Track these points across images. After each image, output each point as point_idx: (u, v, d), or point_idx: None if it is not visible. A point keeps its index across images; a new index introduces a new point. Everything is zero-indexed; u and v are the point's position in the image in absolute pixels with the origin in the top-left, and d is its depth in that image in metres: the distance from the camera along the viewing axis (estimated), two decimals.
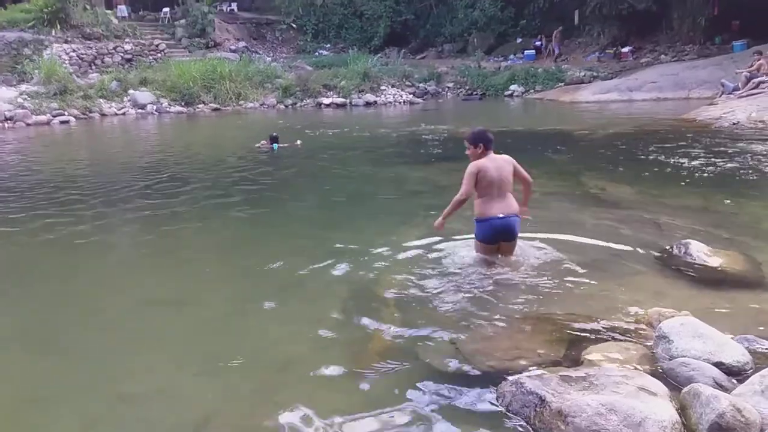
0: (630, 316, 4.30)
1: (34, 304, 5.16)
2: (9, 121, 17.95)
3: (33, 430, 3.41)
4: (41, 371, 4.05)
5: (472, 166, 5.11)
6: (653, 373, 3.42)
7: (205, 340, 4.48)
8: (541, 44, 28.62)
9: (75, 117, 19.23)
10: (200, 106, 21.65)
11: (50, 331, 4.64)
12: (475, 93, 25.08)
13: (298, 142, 13.26)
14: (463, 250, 5.74)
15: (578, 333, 4.09)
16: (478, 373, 3.70)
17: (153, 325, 4.73)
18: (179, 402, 3.65)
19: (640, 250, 5.72)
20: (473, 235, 5.41)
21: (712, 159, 10.04)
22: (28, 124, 18.09)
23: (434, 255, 5.74)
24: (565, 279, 5.13)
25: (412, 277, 5.26)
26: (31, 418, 3.52)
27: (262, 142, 12.92)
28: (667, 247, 5.52)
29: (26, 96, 19.31)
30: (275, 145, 12.75)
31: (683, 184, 8.59)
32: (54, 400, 3.68)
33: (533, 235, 6.17)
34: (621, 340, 3.94)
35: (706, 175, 9.08)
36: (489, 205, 5.12)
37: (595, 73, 24.49)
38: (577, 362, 3.69)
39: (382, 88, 24.31)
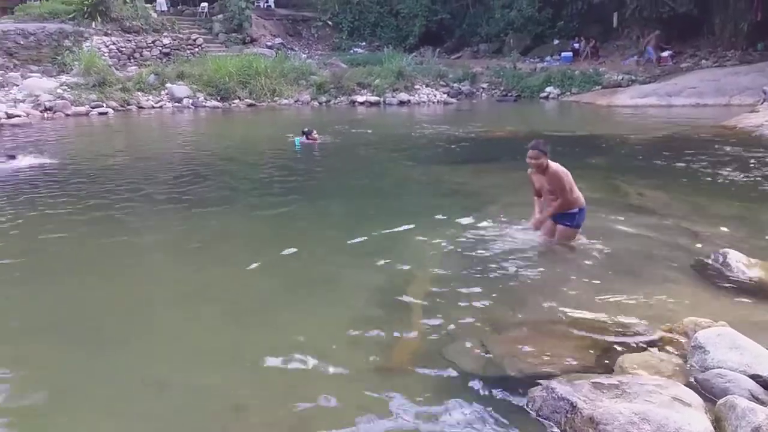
0: (665, 324, 4.22)
1: (66, 292, 5.25)
2: (49, 111, 18.32)
3: (63, 418, 3.46)
4: (72, 359, 4.11)
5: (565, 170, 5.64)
6: (687, 384, 3.37)
7: (235, 332, 4.52)
8: (579, 46, 28.28)
9: (113, 109, 19.54)
10: (235, 101, 21.84)
11: (82, 319, 4.71)
12: (510, 94, 24.89)
13: (318, 138, 13.21)
14: (495, 251, 5.72)
15: (611, 340, 4.05)
16: (507, 376, 3.68)
17: (184, 315, 4.79)
18: (209, 393, 3.68)
19: (677, 258, 5.62)
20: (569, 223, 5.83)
21: (752, 168, 9.82)
22: (67, 115, 18.43)
23: (465, 256, 5.73)
24: (599, 284, 5.08)
25: (443, 277, 5.25)
26: (61, 406, 3.57)
27: (301, 137, 13.00)
28: (704, 256, 5.41)
29: (66, 87, 19.67)
30: (297, 140, 12.80)
31: (722, 192, 8.41)
32: (84, 388, 3.73)
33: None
34: (655, 349, 3.88)
35: (745, 183, 8.88)
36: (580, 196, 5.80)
37: (633, 77, 24.11)
38: (609, 370, 3.66)
39: (416, 87, 24.26)
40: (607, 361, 3.76)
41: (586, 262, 5.54)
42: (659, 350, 3.87)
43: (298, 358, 4.06)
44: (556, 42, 29.35)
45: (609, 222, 6.80)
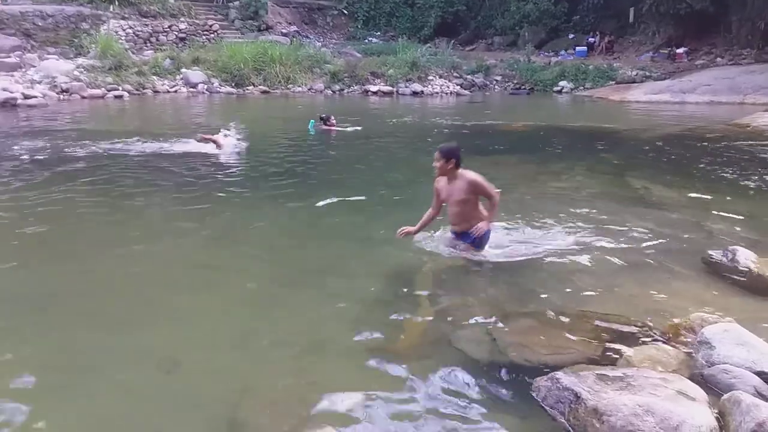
0: (671, 319, 4.24)
1: (77, 274, 5.30)
2: (65, 93, 18.45)
3: (76, 397, 3.51)
4: (87, 338, 4.17)
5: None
6: (693, 378, 3.39)
7: (244, 315, 4.59)
8: (594, 41, 28.11)
9: (129, 92, 19.65)
10: (250, 87, 21.90)
11: (94, 300, 4.77)
12: (523, 87, 24.82)
13: (336, 125, 13.21)
14: (506, 241, 5.75)
15: (617, 333, 4.08)
16: (513, 365, 3.72)
17: (196, 299, 4.84)
18: (217, 375, 3.73)
19: (686, 254, 5.64)
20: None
21: (765, 166, 9.78)
22: (83, 97, 18.55)
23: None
24: (607, 278, 5.10)
25: (452, 266, 5.29)
26: (73, 385, 3.63)
27: (318, 122, 13.00)
28: (713, 253, 5.41)
29: (82, 69, 19.76)
30: (312, 123, 12.80)
31: (733, 189, 8.39)
32: (95, 369, 3.78)
33: (578, 233, 6.16)
34: (661, 343, 3.91)
35: (756, 182, 8.84)
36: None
37: (647, 73, 23.99)
38: (614, 362, 3.68)
39: (430, 78, 24.22)
40: (612, 354, 3.78)
41: (596, 255, 5.56)
42: (665, 344, 3.89)
43: (308, 342, 4.12)
44: (571, 36, 29.21)
45: (619, 216, 6.81)
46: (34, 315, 4.49)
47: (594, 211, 7.06)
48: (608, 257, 5.54)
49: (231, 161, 10.05)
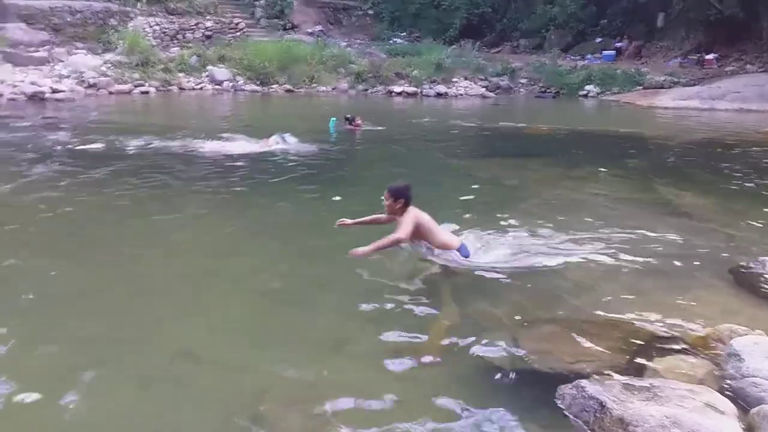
0: (699, 330, 4.16)
1: (99, 266, 5.34)
2: (92, 88, 18.63)
3: (97, 389, 3.51)
4: (107, 332, 4.18)
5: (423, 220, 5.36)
6: (721, 391, 3.33)
7: (264, 312, 4.59)
8: (622, 45, 27.79)
9: (155, 89, 19.83)
10: (274, 86, 21.97)
11: (118, 293, 4.80)
12: (548, 91, 24.61)
13: (361, 125, 13.18)
14: (529, 247, 5.70)
15: (643, 342, 4.01)
16: (537, 372, 3.68)
17: (214, 294, 4.86)
18: (236, 371, 3.73)
19: (714, 264, 5.53)
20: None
21: None
22: (110, 93, 18.73)
23: (499, 250, 5.69)
24: (632, 286, 5.03)
25: (475, 270, 5.24)
26: (95, 377, 3.63)
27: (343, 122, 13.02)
28: (743, 263, 5.32)
29: (110, 65, 19.97)
30: (333, 121, 12.79)
31: (762, 199, 8.23)
32: (116, 361, 3.80)
33: (603, 240, 6.08)
34: (688, 354, 3.84)
35: None
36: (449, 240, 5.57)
37: (675, 79, 23.64)
38: (640, 372, 3.63)
39: (455, 79, 24.12)
40: (639, 364, 3.72)
41: (622, 262, 5.49)
42: (693, 355, 3.82)
43: (329, 342, 4.11)
44: (598, 40, 28.87)
45: (646, 224, 6.71)
46: (60, 306, 4.53)
47: (620, 217, 6.98)
48: (634, 265, 5.46)
49: (263, 158, 10.07)
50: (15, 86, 16.84)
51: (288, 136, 10.89)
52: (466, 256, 5.41)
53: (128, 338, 4.11)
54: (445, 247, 5.41)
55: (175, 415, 3.34)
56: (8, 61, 18.34)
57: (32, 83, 17.08)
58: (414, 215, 5.29)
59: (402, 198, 5.32)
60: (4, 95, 16.35)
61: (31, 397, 3.37)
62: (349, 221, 5.68)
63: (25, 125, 12.69)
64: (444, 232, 5.60)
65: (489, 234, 6.15)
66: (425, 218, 5.36)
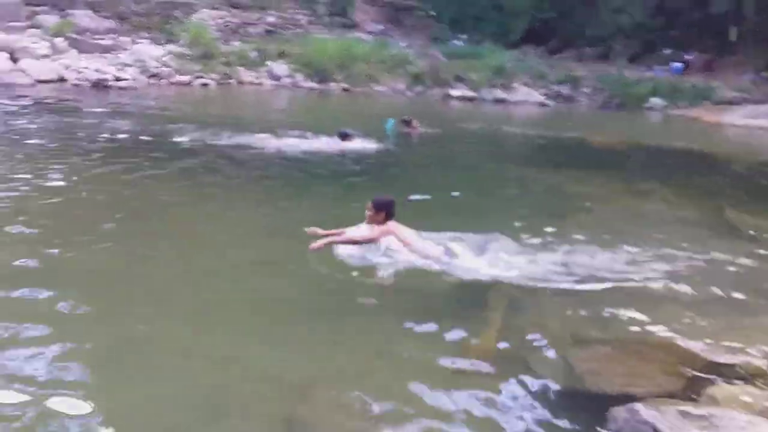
0: (762, 359, 3.94)
1: (142, 254, 5.40)
2: (154, 78, 19.05)
3: (135, 381, 3.53)
4: (153, 325, 4.17)
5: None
6: None
7: (308, 312, 4.54)
8: (691, 58, 26.93)
9: (215, 81, 20.13)
10: (332, 84, 22.10)
11: (163, 287, 4.82)
12: (612, 102, 24.03)
13: (418, 128, 13.08)
14: (584, 263, 5.51)
15: (701, 368, 3.83)
16: (587, 391, 3.55)
17: (257, 289, 4.85)
18: (280, 370, 3.69)
19: None
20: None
21: None
22: (171, 83, 19.13)
23: (553, 265, 5.53)
24: (691, 309, 4.82)
25: (528, 283, 5.10)
26: (133, 370, 3.64)
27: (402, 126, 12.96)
28: None
29: (172, 55, 20.42)
30: (391, 122, 12.71)
31: None
32: (161, 353, 3.83)
33: (662, 259, 5.83)
34: (748, 384, 3.64)
35: None
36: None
37: (747, 95, 22.78)
38: (697, 399, 3.47)
39: (514, 85, 23.79)
40: (695, 391, 3.55)
41: (681, 284, 5.26)
42: (753, 386, 3.62)
43: (373, 345, 4.06)
44: (666, 51, 28.05)
45: (709, 245, 6.42)
46: (109, 294, 4.59)
47: (682, 237, 6.69)
48: (694, 288, 5.23)
49: (321, 156, 10.09)
50: (80, 72, 17.34)
51: (356, 136, 10.84)
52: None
53: (171, 332, 4.12)
54: (426, 258, 5.41)
55: (217, 409, 3.31)
56: (74, 48, 18.90)
57: (96, 70, 17.57)
58: (389, 228, 5.46)
59: (383, 211, 5.51)
60: (69, 81, 16.88)
61: (78, 378, 3.40)
62: (321, 232, 5.57)
63: (89, 111, 13.10)
64: (428, 244, 5.57)
65: (539, 246, 6.00)
66: (404, 233, 5.47)
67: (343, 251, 5.42)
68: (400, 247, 5.39)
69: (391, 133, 12.69)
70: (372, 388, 3.51)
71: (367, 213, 5.55)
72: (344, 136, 10.53)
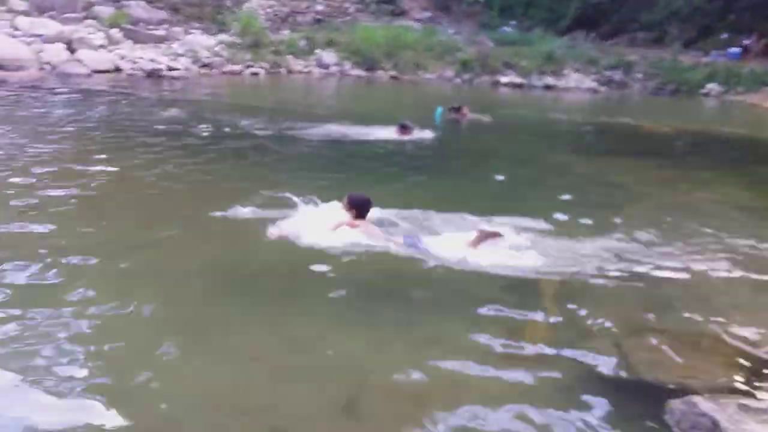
0: None
1: (219, 248, 5.42)
2: (206, 68, 19.39)
3: (201, 359, 3.62)
4: (222, 309, 4.26)
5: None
6: None
7: (365, 303, 4.54)
8: (750, 43, 25.95)
9: (265, 70, 20.39)
10: (380, 72, 22.11)
11: (232, 276, 4.85)
12: (665, 87, 23.37)
13: (468, 114, 13.00)
14: (640, 253, 5.43)
15: (759, 362, 3.76)
16: (643, 382, 3.51)
17: (319, 283, 4.81)
18: (336, 361, 3.71)
19: None
20: None
21: None
22: (222, 72, 19.45)
23: (606, 252, 5.46)
24: (752, 302, 4.73)
25: (582, 272, 5.04)
26: (199, 349, 3.73)
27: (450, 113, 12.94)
28: None
29: (223, 45, 20.74)
30: (439, 110, 12.67)
31: None
32: (228, 335, 3.92)
33: (720, 250, 5.70)
34: None
35: None
36: None
37: None
38: (754, 393, 3.39)
39: (565, 72, 23.38)
40: (754, 384, 3.49)
41: (741, 276, 5.13)
42: None
43: (427, 336, 4.05)
44: (723, 36, 27.09)
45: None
46: (178, 282, 4.69)
47: (741, 227, 6.51)
48: (754, 279, 5.10)
49: (373, 144, 10.18)
50: (134, 63, 17.79)
51: (414, 129, 10.78)
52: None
53: (240, 318, 4.17)
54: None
55: (275, 392, 3.38)
56: (128, 38, 19.38)
57: (151, 60, 17.99)
58: (357, 224, 5.46)
59: (355, 209, 5.55)
60: (124, 71, 17.33)
61: (152, 359, 3.53)
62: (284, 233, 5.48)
63: (143, 99, 13.45)
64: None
65: (590, 234, 5.92)
66: (371, 232, 5.47)
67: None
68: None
69: (439, 121, 12.67)
70: (426, 371, 3.54)
71: (341, 206, 5.60)
72: (404, 129, 10.53)
